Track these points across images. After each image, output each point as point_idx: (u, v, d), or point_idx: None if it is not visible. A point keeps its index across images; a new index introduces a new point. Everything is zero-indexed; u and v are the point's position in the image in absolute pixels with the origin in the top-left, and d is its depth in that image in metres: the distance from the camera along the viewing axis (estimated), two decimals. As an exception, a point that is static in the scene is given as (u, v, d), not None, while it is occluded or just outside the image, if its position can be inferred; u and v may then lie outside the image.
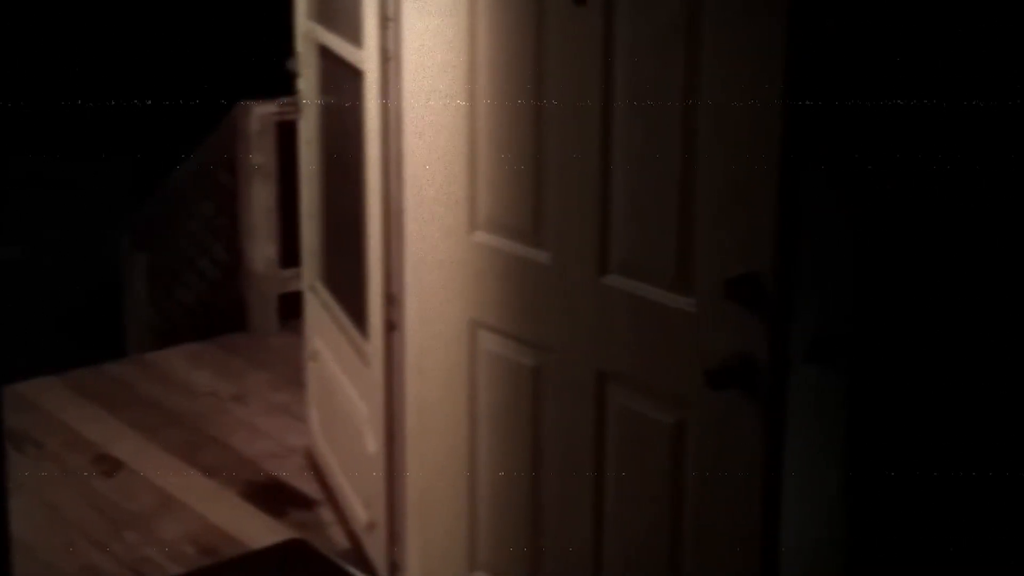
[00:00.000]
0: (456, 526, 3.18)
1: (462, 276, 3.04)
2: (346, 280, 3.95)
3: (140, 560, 3.95)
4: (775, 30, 2.32)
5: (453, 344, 3.09)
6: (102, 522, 4.15)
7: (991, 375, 2.41)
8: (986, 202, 2.37)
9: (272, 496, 4.32)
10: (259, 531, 4.09)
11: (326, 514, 4.19)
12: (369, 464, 3.65)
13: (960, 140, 2.36)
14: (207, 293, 6.08)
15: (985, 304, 2.40)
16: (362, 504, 3.84)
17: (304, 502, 4.29)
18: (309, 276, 4.42)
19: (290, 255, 5.30)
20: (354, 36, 3.60)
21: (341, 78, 3.89)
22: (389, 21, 3.23)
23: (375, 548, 3.69)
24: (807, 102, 2.33)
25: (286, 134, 5.18)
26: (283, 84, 4.66)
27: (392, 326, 3.37)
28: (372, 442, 3.62)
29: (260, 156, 5.61)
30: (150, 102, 8.98)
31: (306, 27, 4.25)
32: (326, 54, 4.11)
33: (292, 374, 5.01)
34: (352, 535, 3.98)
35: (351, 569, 3.82)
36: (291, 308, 5.37)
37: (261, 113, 5.58)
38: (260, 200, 5.64)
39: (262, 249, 5.69)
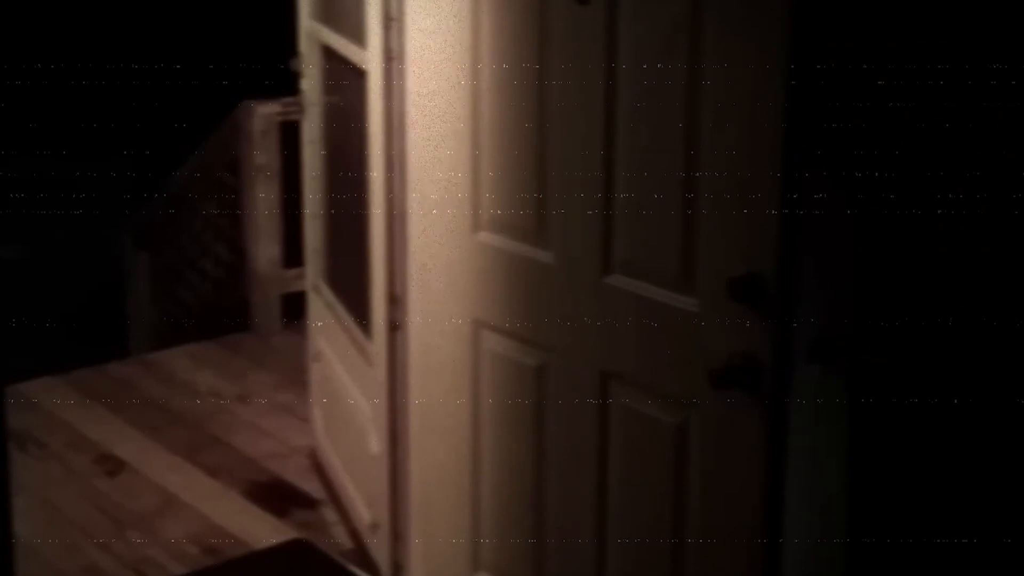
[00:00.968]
0: (459, 526, 3.18)
1: (465, 276, 3.04)
2: (349, 280, 3.95)
3: (143, 560, 3.94)
4: (778, 30, 2.32)
5: (457, 344, 3.09)
6: (105, 522, 4.15)
7: (991, 375, 2.41)
8: (986, 202, 2.37)
9: (275, 496, 4.31)
10: (262, 531, 4.09)
11: (329, 514, 4.19)
12: (372, 464, 3.65)
13: (961, 140, 2.36)
14: (210, 293, 6.07)
15: (985, 304, 2.40)
16: (365, 504, 3.83)
17: (307, 502, 4.28)
18: (312, 276, 4.42)
19: (293, 255, 5.29)
20: (357, 36, 3.60)
21: (344, 78, 3.89)
22: (392, 21, 3.23)
23: (378, 548, 3.69)
24: (810, 102, 2.33)
25: (289, 134, 5.18)
26: (286, 84, 4.66)
27: (396, 326, 3.37)
28: (375, 442, 3.62)
29: (263, 156, 5.60)
30: (154, 101, 8.97)
31: (309, 27, 4.25)
32: (329, 54, 4.11)
33: (295, 374, 5.00)
34: (355, 535, 3.98)
35: (354, 569, 3.82)
36: (294, 308, 5.36)
37: (264, 113, 5.58)
38: (263, 200, 5.63)
39: (265, 249, 5.68)
